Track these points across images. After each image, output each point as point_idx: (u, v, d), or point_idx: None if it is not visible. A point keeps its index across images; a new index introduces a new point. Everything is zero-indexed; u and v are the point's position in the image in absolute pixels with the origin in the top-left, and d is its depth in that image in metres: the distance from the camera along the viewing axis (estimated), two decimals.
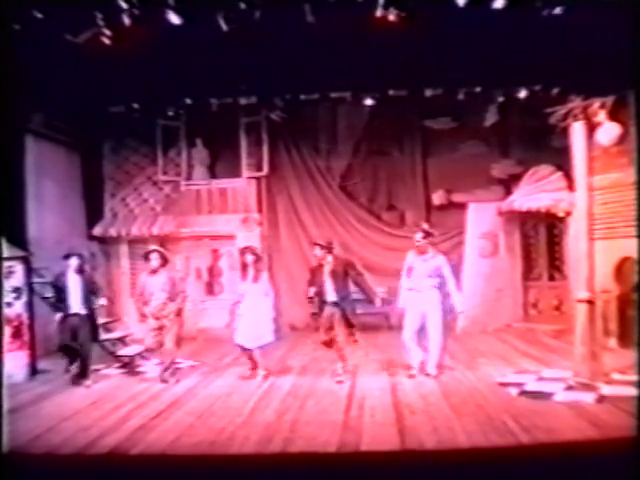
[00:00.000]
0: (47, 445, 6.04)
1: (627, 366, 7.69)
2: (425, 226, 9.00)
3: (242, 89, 10.45)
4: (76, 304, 8.59)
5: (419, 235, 8.55)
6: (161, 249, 9.22)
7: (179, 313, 8.74)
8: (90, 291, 8.77)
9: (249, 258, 8.82)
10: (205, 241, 13.29)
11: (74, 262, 8.69)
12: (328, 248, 8.66)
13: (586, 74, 8.36)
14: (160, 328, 8.58)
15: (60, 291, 8.65)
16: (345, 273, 8.46)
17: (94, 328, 8.82)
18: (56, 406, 7.57)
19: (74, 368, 8.71)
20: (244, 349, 8.76)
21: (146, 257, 8.90)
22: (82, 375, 8.57)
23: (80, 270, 8.74)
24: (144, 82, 9.20)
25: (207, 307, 12.86)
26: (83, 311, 8.60)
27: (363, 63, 8.64)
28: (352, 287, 8.57)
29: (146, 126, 12.79)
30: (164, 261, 8.83)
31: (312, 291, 8.56)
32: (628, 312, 9.24)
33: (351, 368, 8.65)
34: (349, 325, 8.40)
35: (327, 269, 8.46)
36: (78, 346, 8.54)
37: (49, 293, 9.12)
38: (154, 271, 8.73)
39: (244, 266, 8.91)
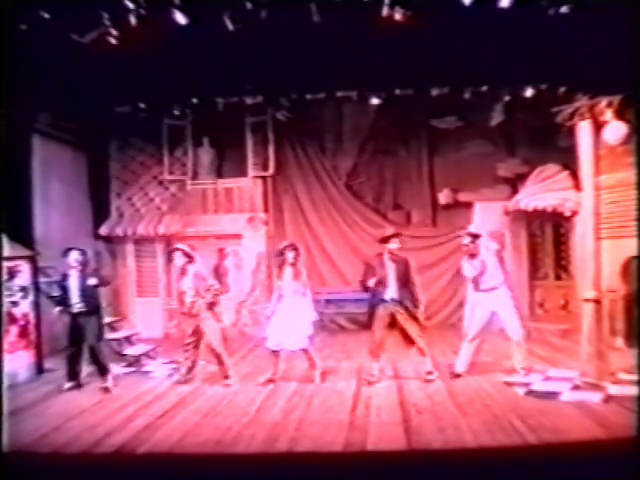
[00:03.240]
0: (53, 444, 6.05)
1: (634, 365, 7.65)
2: (470, 228, 8.47)
3: (248, 89, 10.47)
4: (76, 301, 8.29)
5: (466, 240, 8.25)
6: (184, 247, 8.78)
7: (211, 307, 8.47)
8: (93, 286, 8.41)
9: (290, 255, 8.37)
10: (211, 240, 13.28)
11: (74, 256, 8.37)
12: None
13: (592, 73, 8.34)
14: (195, 340, 8.42)
15: (63, 289, 8.40)
16: (406, 272, 8.11)
17: (100, 326, 8.52)
18: (62, 405, 7.58)
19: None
20: (274, 352, 8.40)
21: (169, 257, 8.67)
22: (101, 374, 8.35)
23: (81, 266, 8.41)
24: (150, 82, 9.23)
25: None
26: (84, 308, 8.29)
27: (369, 62, 8.64)
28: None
29: (152, 126, 12.81)
30: (188, 258, 8.59)
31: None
32: (635, 311, 9.19)
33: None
34: (415, 320, 8.07)
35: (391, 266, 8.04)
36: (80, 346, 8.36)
37: (56, 292, 8.97)
38: (182, 270, 8.58)
39: (281, 264, 8.43)
